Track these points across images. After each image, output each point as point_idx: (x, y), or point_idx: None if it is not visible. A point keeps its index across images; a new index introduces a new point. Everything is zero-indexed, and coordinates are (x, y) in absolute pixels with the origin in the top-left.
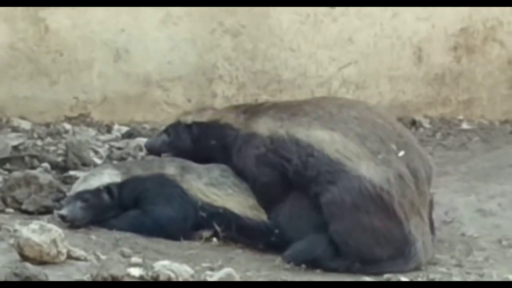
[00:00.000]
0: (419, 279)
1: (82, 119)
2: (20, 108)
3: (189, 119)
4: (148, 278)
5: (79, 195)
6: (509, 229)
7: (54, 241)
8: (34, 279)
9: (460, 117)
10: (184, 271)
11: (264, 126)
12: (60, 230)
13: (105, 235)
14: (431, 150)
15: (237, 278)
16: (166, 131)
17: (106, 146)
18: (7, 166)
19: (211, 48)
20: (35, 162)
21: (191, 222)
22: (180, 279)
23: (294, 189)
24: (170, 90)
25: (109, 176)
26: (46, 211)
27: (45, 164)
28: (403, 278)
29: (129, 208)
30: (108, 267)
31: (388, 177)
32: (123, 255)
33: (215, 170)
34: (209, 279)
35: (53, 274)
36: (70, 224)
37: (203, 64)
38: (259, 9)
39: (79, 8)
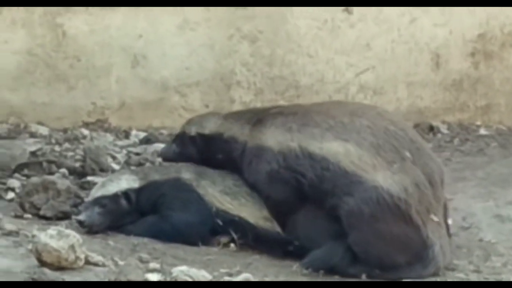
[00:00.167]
0: None
1: (100, 125)
2: (38, 114)
3: (192, 130)
4: None
5: (97, 201)
6: None
7: (72, 247)
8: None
9: (478, 122)
10: (202, 277)
11: (273, 139)
12: (78, 236)
13: (123, 240)
14: (449, 155)
15: None
16: (174, 140)
17: (124, 151)
18: (25, 171)
19: (229, 53)
20: (53, 167)
21: (209, 228)
22: None
23: (308, 200)
24: (188, 95)
25: (127, 182)
26: (64, 216)
27: (63, 170)
28: None
29: (147, 213)
30: (126, 272)
31: (405, 185)
32: (141, 260)
33: (229, 178)
34: None
35: (71, 280)
36: (88, 229)
37: (221, 69)
38: (276, 14)
39: (97, 14)
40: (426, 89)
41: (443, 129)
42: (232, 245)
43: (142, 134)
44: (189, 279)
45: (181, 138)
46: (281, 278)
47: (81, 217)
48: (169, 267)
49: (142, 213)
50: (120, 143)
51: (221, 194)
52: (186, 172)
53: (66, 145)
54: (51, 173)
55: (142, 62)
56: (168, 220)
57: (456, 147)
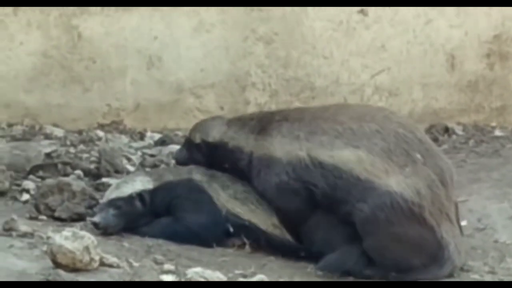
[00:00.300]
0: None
1: (115, 126)
2: (53, 116)
3: (197, 137)
4: None
5: (112, 203)
6: None
7: (87, 248)
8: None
9: (493, 124)
10: (216, 278)
11: (280, 149)
12: (92, 237)
13: (137, 242)
14: (464, 157)
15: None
16: (184, 145)
17: (139, 153)
18: (40, 173)
19: (244, 55)
20: (68, 169)
21: (222, 229)
22: None
23: (320, 208)
24: (203, 97)
25: (141, 183)
26: (79, 218)
27: (78, 171)
28: None
29: (161, 214)
30: (140, 274)
31: (417, 188)
32: (156, 262)
33: (238, 183)
34: None
35: (86, 281)
36: (103, 231)
37: (236, 71)
38: (291, 16)
39: (112, 16)
40: (441, 90)
41: (458, 130)
42: (247, 246)
43: (157, 136)
44: (204, 281)
45: (188, 144)
46: (296, 279)
47: (96, 218)
48: (184, 269)
49: (157, 214)
50: (135, 144)
51: (231, 198)
52: (197, 174)
53: (81, 146)
54: (66, 175)
55: (157, 64)
56: (183, 221)
57: (471, 148)
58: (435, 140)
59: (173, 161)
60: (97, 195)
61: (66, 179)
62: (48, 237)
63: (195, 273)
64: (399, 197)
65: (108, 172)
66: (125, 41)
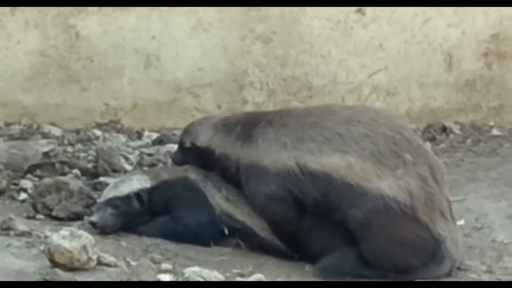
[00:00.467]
0: None
1: (112, 126)
2: (50, 115)
3: (187, 141)
4: None
5: (110, 202)
6: None
7: (84, 248)
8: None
9: (491, 123)
10: (214, 277)
11: (268, 157)
12: (90, 237)
13: (135, 241)
14: (462, 156)
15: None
16: (178, 147)
17: (137, 152)
18: (38, 172)
19: (242, 54)
20: (66, 168)
21: (218, 229)
22: None
23: (312, 215)
24: (201, 96)
25: (138, 182)
26: (76, 217)
27: (76, 171)
28: None
29: (158, 213)
30: (138, 273)
31: (410, 190)
32: (154, 261)
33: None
34: None
35: (83, 281)
36: (101, 230)
37: (234, 70)
38: (289, 15)
39: (110, 15)
40: (439, 90)
41: (456, 129)
42: (243, 246)
43: (155, 135)
44: (202, 280)
45: (181, 146)
46: (294, 278)
47: (94, 218)
48: (182, 268)
49: (154, 213)
50: (132, 144)
51: (225, 199)
52: (192, 173)
53: (79, 146)
54: (64, 174)
55: (155, 63)
56: (180, 220)
57: (468, 147)
58: (433, 139)
59: (170, 161)
60: (94, 194)
61: (63, 178)
62: (46, 236)
63: (193, 272)
64: (391, 201)
65: (106, 171)
66: (123, 41)
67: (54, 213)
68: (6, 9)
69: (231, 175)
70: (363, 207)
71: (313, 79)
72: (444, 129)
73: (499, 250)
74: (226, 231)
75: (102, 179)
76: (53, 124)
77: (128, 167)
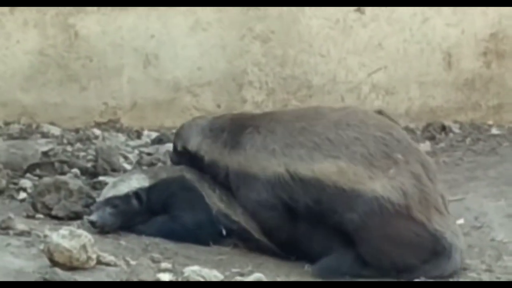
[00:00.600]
0: None
1: (111, 125)
2: (50, 114)
3: (179, 144)
4: None
5: (109, 201)
6: None
7: (84, 247)
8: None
9: (490, 122)
10: (214, 277)
11: (257, 164)
12: (89, 236)
13: (134, 240)
14: (461, 155)
15: None
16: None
17: (136, 151)
18: (37, 172)
19: (241, 54)
20: (65, 167)
21: (216, 228)
22: None
23: (305, 220)
24: (200, 95)
25: (137, 181)
26: (76, 216)
27: (75, 170)
28: None
29: (157, 212)
30: (138, 272)
31: (404, 190)
32: (153, 260)
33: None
34: None
35: (82, 280)
36: (100, 229)
37: (232, 69)
38: (288, 14)
39: (109, 14)
40: (438, 89)
41: (455, 128)
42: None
43: (154, 134)
44: (201, 279)
45: (174, 149)
46: (292, 278)
47: (93, 217)
48: (181, 267)
49: (153, 212)
50: (132, 143)
51: (220, 199)
52: (188, 173)
53: (78, 145)
54: (63, 173)
55: (154, 63)
56: (178, 220)
57: (468, 146)
58: (432, 138)
59: (169, 160)
60: (94, 193)
61: (63, 177)
62: (45, 236)
63: (192, 271)
64: (386, 201)
65: (105, 170)
66: (122, 40)
67: (53, 213)
68: (5, 9)
69: (221, 181)
70: (358, 210)
71: (312, 78)
72: (443, 128)
73: (498, 249)
74: (224, 232)
75: (101, 178)
76: (52, 124)
77: (128, 167)
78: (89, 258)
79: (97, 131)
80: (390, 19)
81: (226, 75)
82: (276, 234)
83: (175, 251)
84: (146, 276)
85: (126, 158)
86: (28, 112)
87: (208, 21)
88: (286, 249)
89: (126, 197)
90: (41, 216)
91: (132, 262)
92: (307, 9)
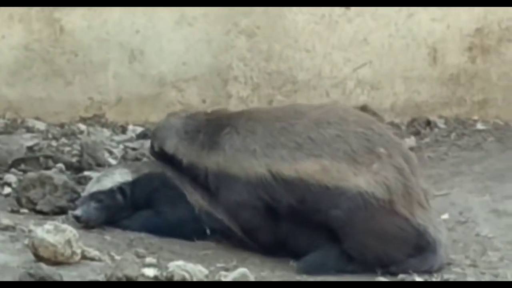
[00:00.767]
0: (434, 279)
1: (96, 120)
2: (35, 109)
3: (156, 145)
4: (163, 279)
5: (93, 196)
6: None
7: (68, 242)
8: (48, 280)
9: (475, 117)
10: (198, 272)
11: (237, 165)
12: (74, 231)
13: (119, 235)
14: (446, 150)
15: (251, 278)
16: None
17: (121, 146)
18: (22, 166)
19: (226, 49)
20: (50, 162)
21: (199, 224)
22: (195, 279)
23: (288, 219)
24: (185, 90)
25: (120, 176)
26: (60, 211)
27: (60, 165)
28: (418, 278)
29: (141, 206)
30: (122, 267)
31: (388, 184)
32: (138, 255)
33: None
34: (223, 279)
35: (67, 275)
36: (85, 224)
37: (218, 64)
38: (274, 9)
39: (94, 9)
40: (423, 84)
41: (440, 123)
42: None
43: (139, 129)
44: (186, 274)
45: (152, 149)
46: (277, 273)
47: (78, 212)
48: (166, 262)
49: (137, 207)
50: (117, 138)
51: (202, 197)
52: (169, 171)
53: (63, 140)
54: (48, 168)
55: (139, 57)
56: (162, 215)
57: (453, 141)
58: (417, 133)
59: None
60: (79, 188)
61: (48, 172)
62: (30, 231)
63: (177, 266)
64: (370, 196)
65: (90, 165)
66: (107, 35)
67: (38, 207)
68: None
69: (202, 183)
70: (343, 206)
71: (297, 74)
72: (428, 123)
73: (483, 244)
74: (208, 231)
75: (86, 173)
76: (37, 118)
77: (113, 161)
78: (73, 253)
79: (82, 126)
80: (375, 14)
81: (211, 70)
82: (258, 234)
83: (160, 246)
84: (131, 271)
85: (111, 153)
86: (13, 107)
87: (193, 15)
88: (268, 249)
89: (110, 192)
90: (25, 211)
91: (117, 257)
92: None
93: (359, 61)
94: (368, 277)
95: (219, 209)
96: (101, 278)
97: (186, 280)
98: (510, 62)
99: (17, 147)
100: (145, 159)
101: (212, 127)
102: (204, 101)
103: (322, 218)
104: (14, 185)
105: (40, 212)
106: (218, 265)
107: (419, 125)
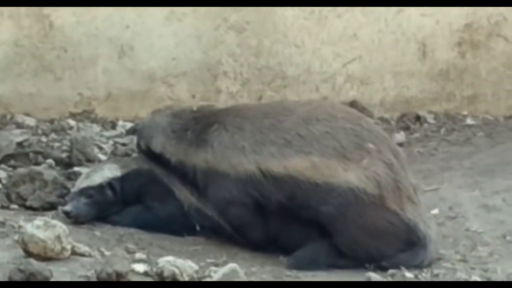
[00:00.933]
0: (423, 274)
1: (86, 115)
2: (24, 105)
3: (142, 144)
4: (153, 274)
5: (83, 191)
6: None
7: (58, 237)
8: (38, 275)
9: (465, 112)
10: (188, 267)
11: (226, 162)
12: (64, 226)
13: (109, 231)
14: (436, 145)
15: (241, 273)
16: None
17: (111, 142)
18: (12, 162)
19: (216, 44)
20: (40, 158)
21: (188, 220)
22: (185, 275)
23: (277, 215)
24: (175, 86)
25: (109, 171)
26: (50, 207)
27: (50, 160)
28: (408, 274)
29: (131, 201)
30: (112, 263)
31: (378, 180)
32: (128, 251)
33: None
34: (213, 275)
35: (57, 270)
36: (74, 220)
37: (207, 60)
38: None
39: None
40: (413, 79)
41: (430, 119)
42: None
43: (129, 125)
44: (176, 270)
45: (138, 148)
46: (268, 268)
47: (68, 207)
48: (156, 258)
49: (127, 202)
50: (106, 133)
51: (191, 193)
52: (157, 167)
53: (53, 135)
54: (38, 164)
55: (129, 53)
56: (153, 211)
57: (442, 137)
58: (407, 128)
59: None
60: (68, 184)
61: (37, 168)
62: (20, 226)
63: (167, 262)
64: (361, 192)
65: (80, 161)
66: (97, 30)
67: (28, 203)
68: None
69: (189, 181)
70: (334, 202)
71: (287, 69)
72: (418, 119)
73: (472, 239)
74: (198, 227)
75: (76, 169)
76: (27, 114)
77: (102, 157)
78: (63, 248)
79: (71, 122)
80: (365, 9)
81: (201, 65)
82: (248, 231)
83: (150, 242)
84: (121, 267)
85: (101, 148)
86: (3, 102)
87: (183, 11)
88: (258, 245)
89: (100, 187)
90: (15, 206)
91: (107, 253)
92: None
93: (349, 57)
94: (359, 272)
95: (209, 206)
96: (91, 274)
97: (176, 276)
98: (500, 57)
99: (7, 143)
100: (134, 155)
101: (199, 124)
102: (193, 97)
103: (312, 214)
104: (4, 181)
105: (30, 208)
106: (208, 260)
107: (409, 120)
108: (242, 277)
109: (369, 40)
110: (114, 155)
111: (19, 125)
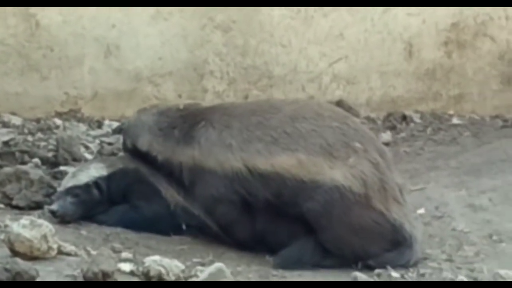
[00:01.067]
0: (410, 274)
1: (72, 115)
2: (10, 104)
3: (128, 143)
4: (139, 274)
5: (69, 191)
6: (499, 224)
7: (44, 237)
8: (24, 275)
9: (451, 112)
10: (174, 267)
11: (213, 159)
12: (50, 226)
13: (95, 230)
14: (422, 145)
15: (227, 273)
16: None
17: (97, 141)
18: None
19: (202, 43)
20: (26, 157)
21: (175, 219)
22: (171, 275)
23: (264, 213)
24: (161, 85)
25: (95, 170)
26: (36, 206)
27: (36, 160)
28: (394, 273)
29: (117, 201)
30: (98, 262)
31: (364, 179)
32: (114, 250)
33: None
34: (199, 274)
35: (43, 270)
36: (61, 219)
37: (194, 59)
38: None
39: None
40: (399, 79)
41: (416, 118)
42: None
43: (115, 124)
44: (162, 269)
45: (124, 146)
46: (254, 267)
47: (54, 206)
48: (142, 257)
49: (113, 201)
50: (93, 133)
51: (178, 192)
52: (143, 166)
53: (39, 135)
54: (24, 163)
55: (115, 52)
56: (139, 210)
57: (428, 136)
58: (393, 128)
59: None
60: (55, 183)
61: (24, 167)
62: (6, 226)
63: (153, 261)
64: (346, 190)
65: (66, 160)
66: (83, 30)
67: (14, 202)
68: None
69: (176, 178)
70: (319, 199)
71: (273, 68)
72: (404, 118)
73: (459, 238)
74: (184, 227)
75: (62, 168)
76: (13, 113)
77: (89, 156)
78: (50, 248)
79: (58, 121)
80: (351, 9)
81: (187, 65)
82: (234, 229)
83: (136, 241)
84: (107, 266)
85: (87, 147)
86: None
87: (169, 11)
88: (245, 243)
89: (86, 187)
90: (1, 206)
91: (93, 252)
92: None
93: (335, 56)
94: (345, 272)
95: (195, 205)
96: (77, 273)
97: (162, 275)
98: (486, 57)
99: None
100: (121, 154)
101: (187, 122)
102: (180, 96)
103: (298, 211)
104: None
105: (16, 207)
106: (195, 260)
107: (395, 120)
108: (228, 276)
109: (355, 39)
110: (100, 154)
111: (5, 124)
